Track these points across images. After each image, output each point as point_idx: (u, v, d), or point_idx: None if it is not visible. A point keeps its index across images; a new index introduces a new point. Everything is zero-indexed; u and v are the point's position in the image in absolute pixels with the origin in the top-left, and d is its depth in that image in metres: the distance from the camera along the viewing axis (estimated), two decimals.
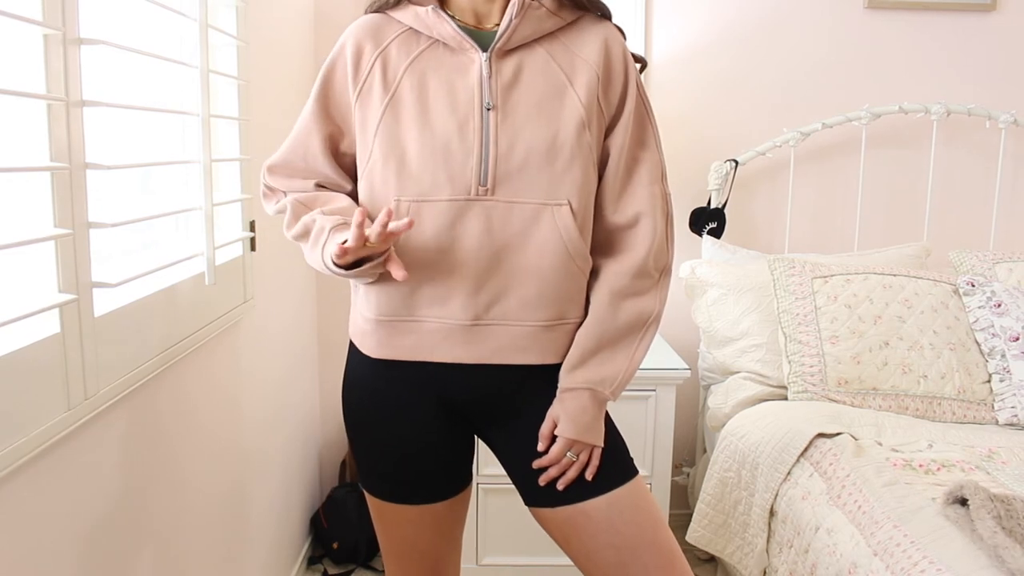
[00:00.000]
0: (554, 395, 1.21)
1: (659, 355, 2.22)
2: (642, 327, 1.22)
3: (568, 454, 1.18)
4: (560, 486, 1.19)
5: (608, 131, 1.22)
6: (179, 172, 1.50)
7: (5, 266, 0.99)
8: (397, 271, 1.08)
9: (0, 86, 0.89)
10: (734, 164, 2.46)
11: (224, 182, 1.67)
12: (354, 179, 1.25)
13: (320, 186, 1.25)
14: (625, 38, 1.25)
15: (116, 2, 1.25)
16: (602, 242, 1.24)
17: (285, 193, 1.25)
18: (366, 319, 1.22)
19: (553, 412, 1.20)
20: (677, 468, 2.61)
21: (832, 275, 2.17)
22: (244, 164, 1.70)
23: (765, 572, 1.83)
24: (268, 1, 1.95)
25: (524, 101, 1.16)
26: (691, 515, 2.08)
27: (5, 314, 0.89)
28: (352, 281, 1.27)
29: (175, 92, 1.46)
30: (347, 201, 1.23)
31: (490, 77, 1.16)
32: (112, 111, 1.21)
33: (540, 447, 1.20)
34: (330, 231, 1.14)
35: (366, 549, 2.38)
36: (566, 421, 1.18)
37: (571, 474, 1.19)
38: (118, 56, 1.22)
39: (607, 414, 1.24)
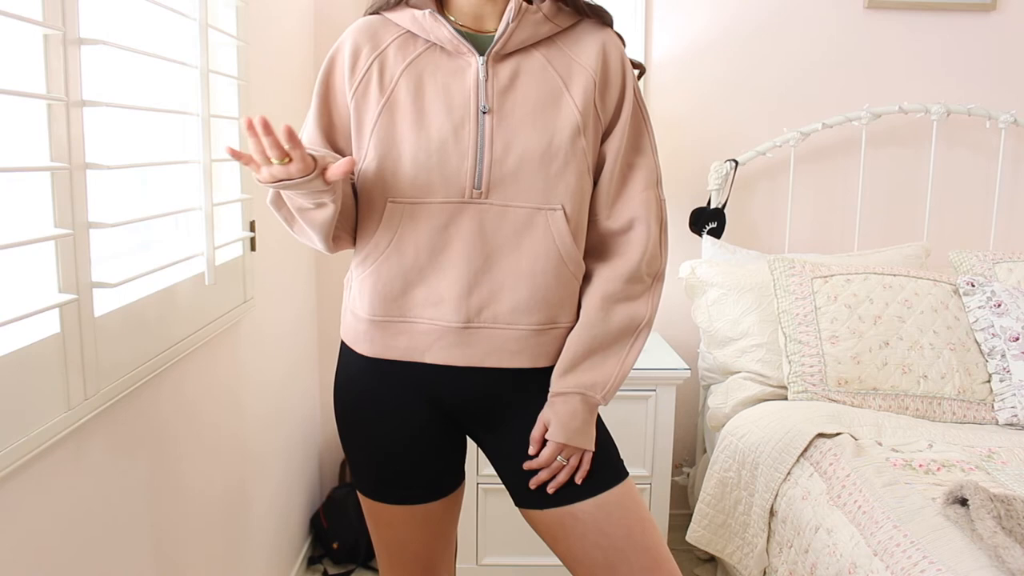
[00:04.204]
0: (543, 398, 1.21)
1: (659, 355, 2.22)
2: (633, 332, 1.22)
3: (559, 458, 1.18)
4: (550, 489, 1.19)
5: (604, 136, 1.22)
6: (179, 172, 1.50)
7: (5, 266, 0.99)
8: (334, 171, 1.02)
9: (0, 86, 0.89)
10: (734, 164, 2.46)
11: (224, 182, 1.67)
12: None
13: None
14: (624, 44, 1.25)
15: (116, 2, 1.25)
16: (596, 247, 1.24)
17: None
18: (359, 319, 1.22)
19: (544, 416, 1.20)
20: (677, 468, 2.61)
21: (832, 275, 2.17)
22: (244, 165, 1.70)
23: (765, 572, 1.83)
24: (268, 1, 1.95)
25: (520, 105, 1.16)
26: (691, 515, 2.08)
27: (5, 314, 0.89)
28: (346, 281, 1.27)
29: (175, 92, 1.46)
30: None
31: (486, 81, 1.16)
32: (112, 111, 1.21)
33: (531, 451, 1.20)
34: None
35: (366, 549, 2.38)
36: (557, 425, 1.18)
37: (561, 478, 1.19)
38: (118, 56, 1.22)
39: (598, 416, 1.23)
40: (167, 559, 1.36)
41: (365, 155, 1.19)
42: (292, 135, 0.97)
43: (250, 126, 0.95)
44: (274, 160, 0.98)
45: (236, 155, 0.99)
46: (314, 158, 1.02)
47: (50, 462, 1.01)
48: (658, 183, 1.25)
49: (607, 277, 1.21)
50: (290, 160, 0.99)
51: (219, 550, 1.62)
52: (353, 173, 1.23)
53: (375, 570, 2.40)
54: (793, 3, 2.51)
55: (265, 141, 0.96)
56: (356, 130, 1.20)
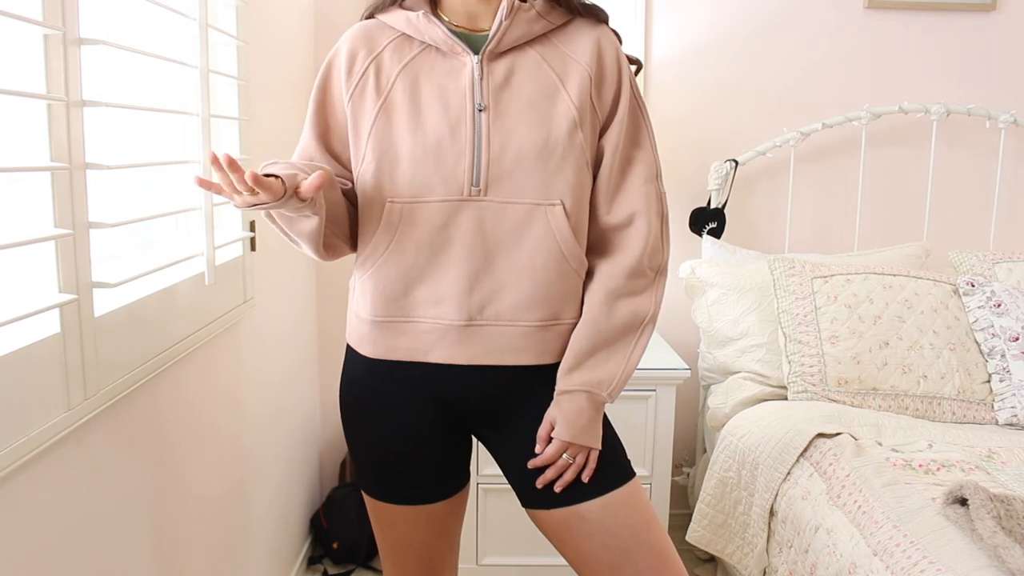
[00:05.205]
0: (550, 396, 1.21)
1: (659, 355, 2.22)
2: (638, 327, 1.22)
3: (564, 456, 1.18)
4: (557, 488, 1.19)
5: (602, 131, 1.22)
6: (179, 172, 1.50)
7: (5, 266, 0.99)
8: (307, 188, 1.02)
9: (0, 86, 0.89)
10: (734, 164, 2.46)
11: None
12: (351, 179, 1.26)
13: None
14: (621, 41, 1.26)
15: (116, 2, 1.25)
16: (597, 242, 1.24)
17: None
18: (362, 320, 1.22)
19: (550, 414, 1.20)
20: (677, 468, 2.61)
21: (832, 275, 2.17)
22: (244, 164, 1.70)
23: (765, 572, 1.83)
24: (268, 1, 1.95)
25: (516, 102, 1.16)
26: (691, 515, 2.08)
27: (5, 314, 0.89)
28: (351, 284, 1.27)
29: (175, 92, 1.46)
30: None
31: (482, 79, 1.16)
32: (112, 111, 1.21)
33: (537, 449, 1.20)
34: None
35: (366, 549, 2.38)
36: (563, 423, 1.17)
37: (568, 476, 1.18)
38: (118, 56, 1.22)
39: (605, 416, 1.23)
40: (167, 559, 1.36)
41: (363, 157, 1.19)
42: (257, 179, 0.96)
43: (215, 161, 0.96)
44: (242, 192, 0.99)
45: (206, 185, 1.00)
46: (283, 180, 1.02)
47: (50, 462, 1.01)
48: (658, 176, 1.25)
49: (609, 273, 1.21)
50: (257, 192, 0.99)
51: (219, 550, 1.62)
52: (350, 179, 1.23)
53: (375, 570, 2.40)
54: (793, 3, 2.51)
55: (232, 177, 0.97)
56: (353, 133, 1.20)
